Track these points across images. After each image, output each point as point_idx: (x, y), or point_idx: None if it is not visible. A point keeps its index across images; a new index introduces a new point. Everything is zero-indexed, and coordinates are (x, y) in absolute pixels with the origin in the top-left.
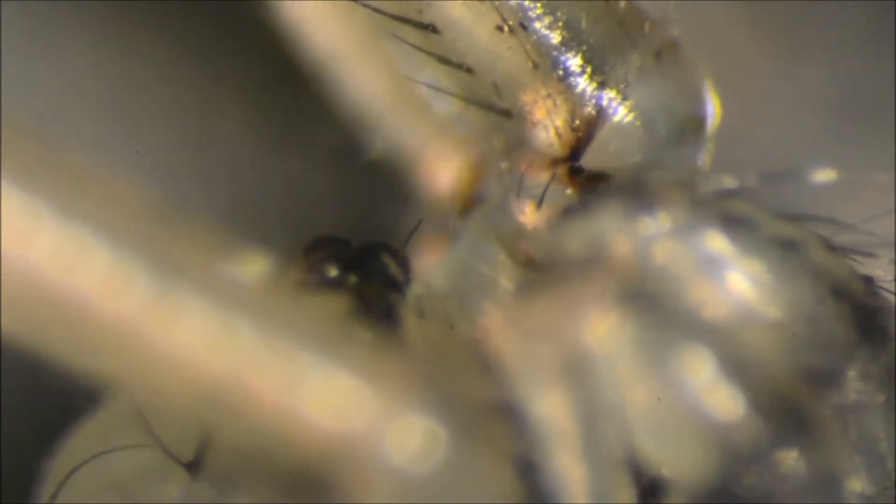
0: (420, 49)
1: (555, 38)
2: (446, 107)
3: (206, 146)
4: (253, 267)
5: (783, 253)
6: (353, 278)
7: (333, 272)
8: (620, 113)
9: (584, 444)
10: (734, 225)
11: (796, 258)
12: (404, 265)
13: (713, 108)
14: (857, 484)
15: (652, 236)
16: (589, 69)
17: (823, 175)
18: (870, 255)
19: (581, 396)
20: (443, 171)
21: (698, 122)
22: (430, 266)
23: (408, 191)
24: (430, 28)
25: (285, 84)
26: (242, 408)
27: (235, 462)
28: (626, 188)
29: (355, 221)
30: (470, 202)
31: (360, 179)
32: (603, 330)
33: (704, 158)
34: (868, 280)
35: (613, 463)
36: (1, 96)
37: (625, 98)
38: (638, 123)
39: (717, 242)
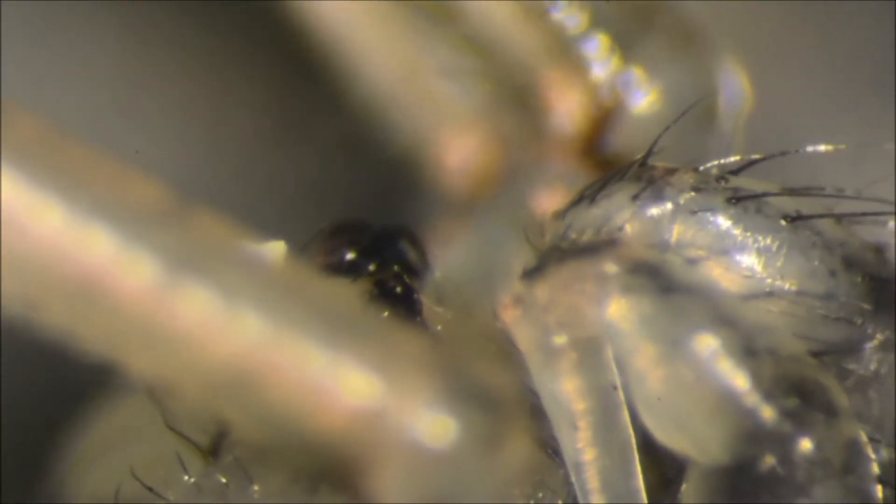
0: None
1: (581, 17)
2: (460, 88)
3: (216, 137)
4: (272, 251)
5: (793, 227)
6: (371, 263)
7: (353, 256)
8: (645, 95)
9: (598, 425)
10: (742, 202)
11: (806, 232)
12: (422, 250)
13: (740, 92)
14: (878, 457)
15: (662, 217)
16: (617, 49)
17: (827, 147)
18: (877, 221)
19: (595, 378)
20: (455, 154)
21: (722, 107)
22: (446, 251)
23: (420, 177)
24: None
25: (297, 72)
26: (262, 389)
27: (254, 443)
28: (636, 170)
29: (367, 209)
30: (484, 185)
31: (371, 168)
32: (616, 312)
33: (731, 140)
34: (878, 249)
35: (629, 445)
36: (6, 86)
37: (651, 77)
38: (662, 106)
39: (726, 220)
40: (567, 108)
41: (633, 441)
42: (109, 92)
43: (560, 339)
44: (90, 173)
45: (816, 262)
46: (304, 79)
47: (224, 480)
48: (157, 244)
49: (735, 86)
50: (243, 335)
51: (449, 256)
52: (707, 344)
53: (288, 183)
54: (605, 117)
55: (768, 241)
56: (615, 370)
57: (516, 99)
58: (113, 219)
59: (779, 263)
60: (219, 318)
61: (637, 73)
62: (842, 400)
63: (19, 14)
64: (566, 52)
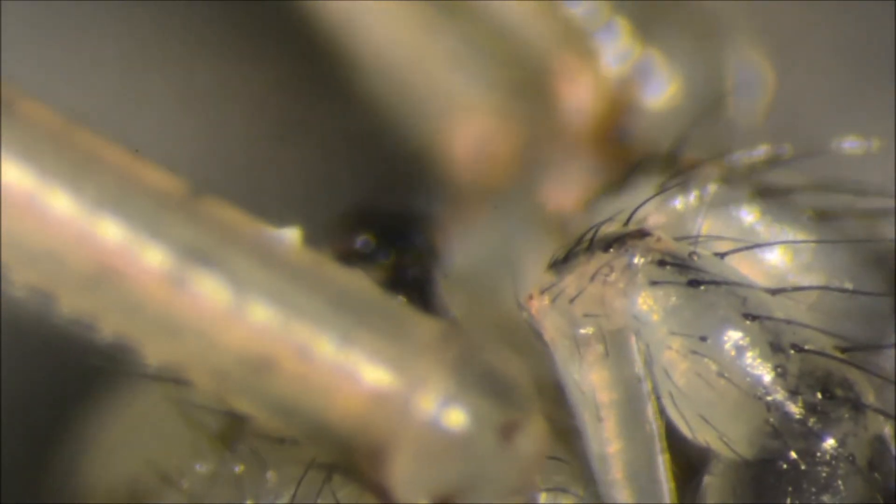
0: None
1: (600, 4)
2: (470, 76)
3: (223, 129)
4: (287, 237)
5: (820, 222)
6: (387, 249)
7: (369, 242)
8: (664, 85)
9: (624, 417)
10: (770, 197)
11: (833, 227)
12: (436, 238)
13: (762, 82)
14: None
15: (689, 210)
16: (637, 36)
17: (852, 142)
18: None
19: (621, 370)
20: (465, 142)
21: (743, 97)
22: (461, 240)
23: (431, 167)
24: None
25: (304, 63)
26: (276, 375)
27: (269, 431)
28: (662, 162)
29: (378, 199)
30: (497, 175)
31: (382, 158)
32: (643, 304)
33: (753, 131)
34: None
35: (654, 437)
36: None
37: (671, 67)
38: (682, 97)
39: (753, 214)
40: (582, 97)
41: (659, 433)
42: (114, 84)
43: (587, 331)
44: (104, 162)
45: (843, 258)
46: (311, 69)
47: (239, 469)
48: (171, 231)
49: (757, 76)
50: (258, 321)
51: (464, 245)
52: (733, 337)
53: (297, 174)
54: (621, 107)
55: (795, 235)
56: (641, 362)
57: (530, 87)
58: (128, 207)
59: (805, 258)
60: (233, 304)
61: (657, 60)
62: (868, 396)
63: (26, 5)
64: (582, 39)
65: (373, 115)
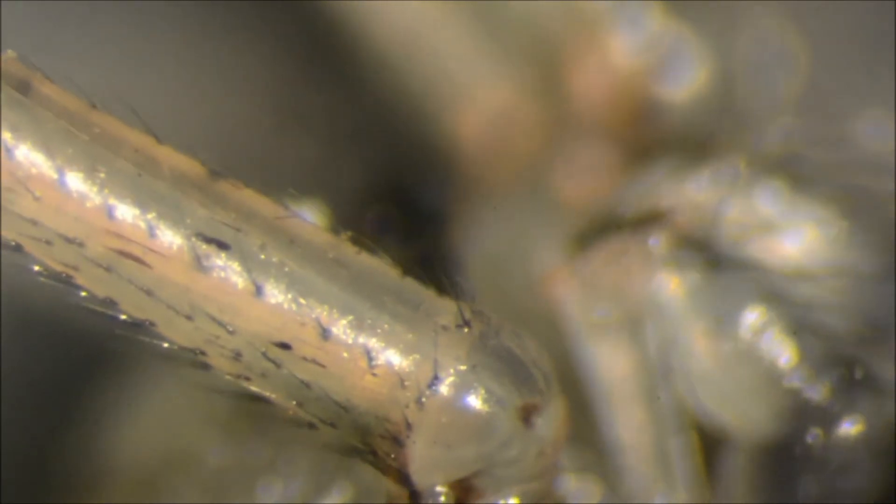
0: None
1: None
2: (484, 56)
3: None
4: (305, 219)
5: (844, 206)
6: (407, 232)
7: (388, 224)
8: (691, 65)
9: (641, 398)
10: (793, 182)
11: (855, 214)
12: (455, 221)
13: (789, 67)
14: None
15: (711, 193)
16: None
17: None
18: None
19: (642, 353)
20: (478, 124)
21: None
22: (479, 223)
23: (445, 153)
24: None
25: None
26: (295, 354)
27: (285, 413)
28: (686, 146)
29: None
30: (508, 160)
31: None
32: (664, 286)
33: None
34: None
35: (676, 417)
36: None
37: (694, 50)
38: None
39: (776, 197)
40: (600, 81)
41: (677, 413)
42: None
43: (607, 313)
44: (122, 144)
45: (868, 241)
46: (322, 55)
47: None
48: (190, 212)
49: (784, 60)
50: (276, 302)
51: (481, 229)
52: (755, 319)
53: (302, 163)
54: (642, 92)
55: (818, 218)
56: (659, 343)
57: (546, 70)
58: (146, 188)
59: (829, 241)
60: (252, 285)
61: (685, 41)
62: (890, 380)
63: None
64: (601, 19)
65: (386, 99)
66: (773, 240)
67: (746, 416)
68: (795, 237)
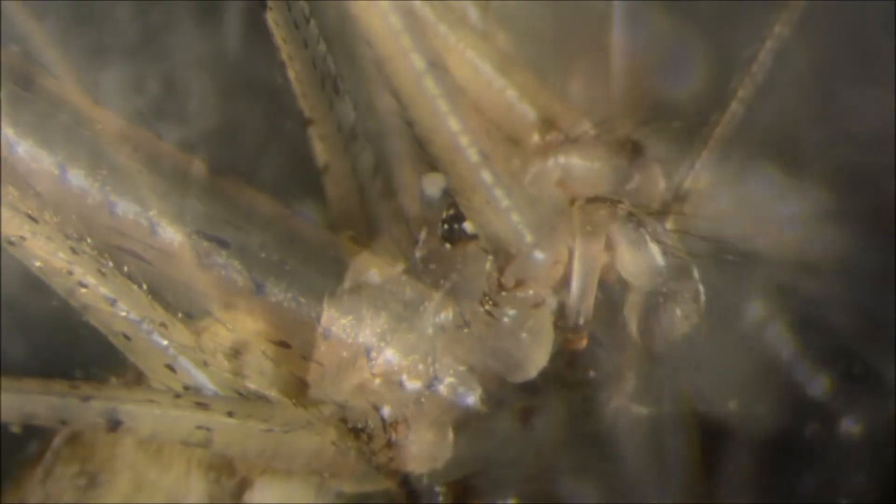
0: None
1: None
2: None
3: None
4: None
5: (845, 199)
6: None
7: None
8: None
9: (647, 385)
10: (795, 173)
11: (858, 205)
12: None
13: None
14: None
15: (717, 186)
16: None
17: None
18: None
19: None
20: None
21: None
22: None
23: None
24: None
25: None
26: (293, 348)
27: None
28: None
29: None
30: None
31: None
32: (666, 276)
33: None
34: None
35: (677, 405)
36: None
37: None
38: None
39: (778, 190)
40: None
41: (684, 400)
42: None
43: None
44: (123, 139)
45: (868, 235)
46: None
47: None
48: (189, 208)
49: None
50: (271, 296)
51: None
52: (759, 312)
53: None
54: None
55: (820, 211)
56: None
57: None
58: (145, 183)
59: (830, 235)
60: (249, 281)
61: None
62: (890, 377)
63: None
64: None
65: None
66: (777, 233)
67: (747, 408)
68: (798, 231)
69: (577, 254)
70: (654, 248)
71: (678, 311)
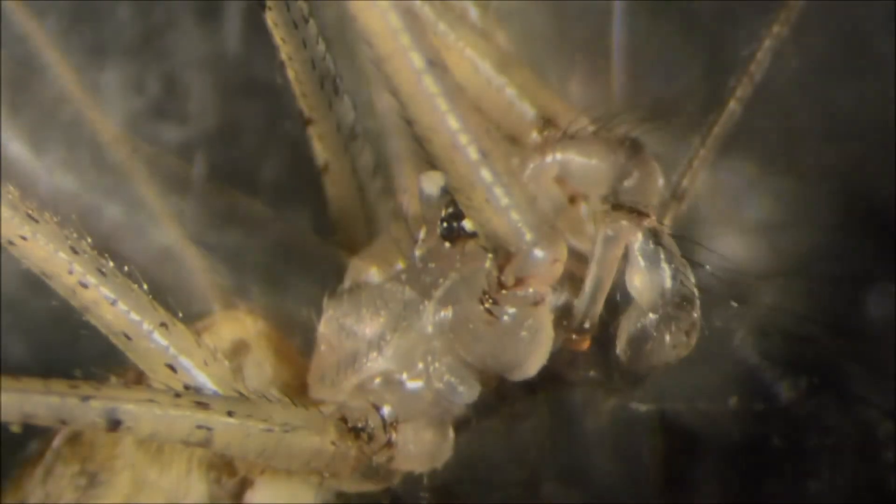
0: None
1: None
2: None
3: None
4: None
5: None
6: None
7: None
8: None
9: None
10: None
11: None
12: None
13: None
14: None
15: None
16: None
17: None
18: None
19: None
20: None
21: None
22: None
23: None
24: None
25: None
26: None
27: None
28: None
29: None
30: None
31: None
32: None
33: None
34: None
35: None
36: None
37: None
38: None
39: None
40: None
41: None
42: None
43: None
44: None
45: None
46: None
47: None
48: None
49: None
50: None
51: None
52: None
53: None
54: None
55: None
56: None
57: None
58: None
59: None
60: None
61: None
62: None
63: None
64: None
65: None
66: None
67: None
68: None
69: (593, 258)
70: (667, 270)
71: (668, 339)
